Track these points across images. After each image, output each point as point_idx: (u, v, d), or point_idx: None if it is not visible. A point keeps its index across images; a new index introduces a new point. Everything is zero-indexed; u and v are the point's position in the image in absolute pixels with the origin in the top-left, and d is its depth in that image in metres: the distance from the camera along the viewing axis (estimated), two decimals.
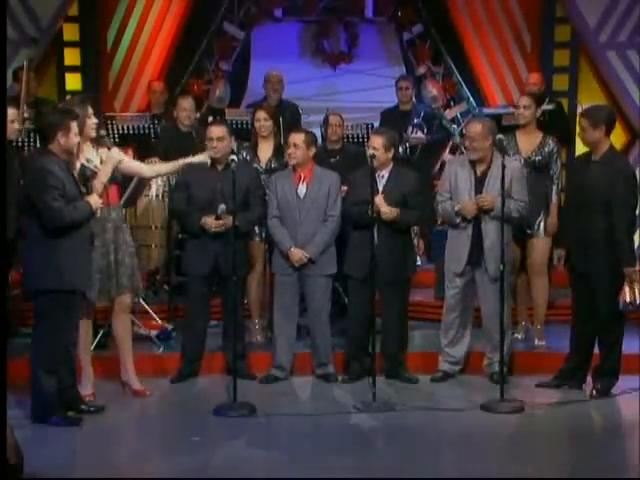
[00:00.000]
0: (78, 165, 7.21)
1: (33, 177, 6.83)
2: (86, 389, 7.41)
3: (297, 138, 7.99)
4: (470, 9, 11.85)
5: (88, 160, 7.26)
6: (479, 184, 7.87)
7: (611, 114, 7.72)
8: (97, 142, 7.37)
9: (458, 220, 7.89)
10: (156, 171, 7.99)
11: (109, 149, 7.37)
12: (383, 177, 7.98)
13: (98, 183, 7.15)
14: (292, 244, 7.94)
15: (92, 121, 7.30)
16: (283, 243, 7.96)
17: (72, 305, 6.92)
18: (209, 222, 7.82)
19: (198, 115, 10.77)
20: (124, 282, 7.43)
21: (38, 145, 7.39)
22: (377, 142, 7.91)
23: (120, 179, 7.55)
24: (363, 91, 11.79)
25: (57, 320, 6.85)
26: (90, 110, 7.31)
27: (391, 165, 8.01)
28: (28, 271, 6.93)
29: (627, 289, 7.42)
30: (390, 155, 7.95)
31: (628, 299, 7.42)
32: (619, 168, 7.54)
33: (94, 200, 6.94)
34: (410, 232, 8.43)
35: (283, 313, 8.06)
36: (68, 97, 10.39)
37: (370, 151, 7.86)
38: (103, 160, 7.28)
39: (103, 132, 7.48)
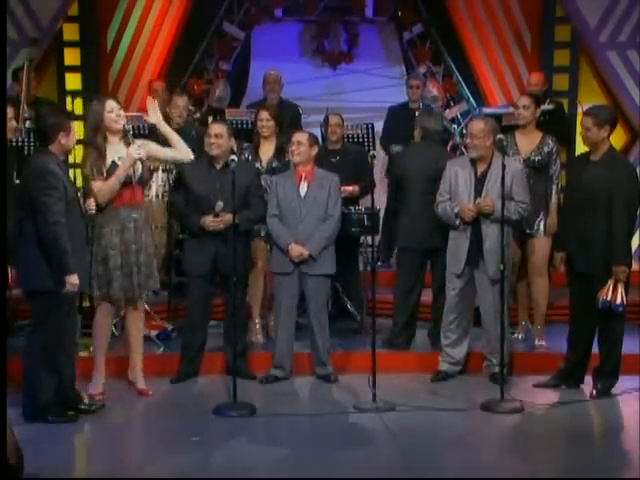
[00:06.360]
0: (109, 162, 7.28)
1: (34, 176, 6.83)
2: (97, 388, 7.44)
3: (301, 137, 8.05)
4: (470, 9, 11.84)
5: (120, 158, 7.34)
6: (479, 184, 7.86)
7: (614, 114, 7.76)
8: (124, 138, 7.41)
9: (457, 222, 7.89)
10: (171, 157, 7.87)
11: (129, 146, 7.42)
12: None
13: (114, 178, 7.25)
14: (292, 240, 7.94)
15: (114, 114, 7.37)
16: (283, 239, 7.95)
17: (72, 304, 6.94)
18: (208, 221, 7.83)
19: (198, 115, 10.78)
20: (145, 284, 7.46)
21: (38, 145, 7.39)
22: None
23: (146, 179, 7.60)
24: (363, 91, 11.79)
25: (58, 320, 6.86)
26: (111, 105, 7.37)
27: None
28: (26, 271, 6.92)
29: (611, 287, 7.40)
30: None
31: (609, 297, 7.40)
32: (621, 167, 7.56)
33: (88, 204, 7.03)
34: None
35: (283, 313, 8.05)
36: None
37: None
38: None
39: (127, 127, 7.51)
